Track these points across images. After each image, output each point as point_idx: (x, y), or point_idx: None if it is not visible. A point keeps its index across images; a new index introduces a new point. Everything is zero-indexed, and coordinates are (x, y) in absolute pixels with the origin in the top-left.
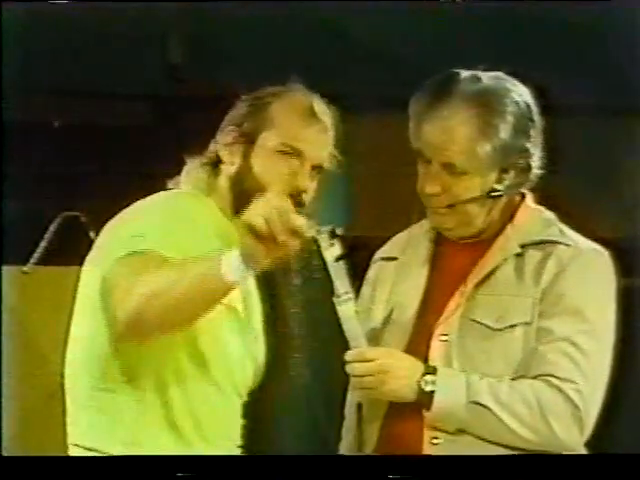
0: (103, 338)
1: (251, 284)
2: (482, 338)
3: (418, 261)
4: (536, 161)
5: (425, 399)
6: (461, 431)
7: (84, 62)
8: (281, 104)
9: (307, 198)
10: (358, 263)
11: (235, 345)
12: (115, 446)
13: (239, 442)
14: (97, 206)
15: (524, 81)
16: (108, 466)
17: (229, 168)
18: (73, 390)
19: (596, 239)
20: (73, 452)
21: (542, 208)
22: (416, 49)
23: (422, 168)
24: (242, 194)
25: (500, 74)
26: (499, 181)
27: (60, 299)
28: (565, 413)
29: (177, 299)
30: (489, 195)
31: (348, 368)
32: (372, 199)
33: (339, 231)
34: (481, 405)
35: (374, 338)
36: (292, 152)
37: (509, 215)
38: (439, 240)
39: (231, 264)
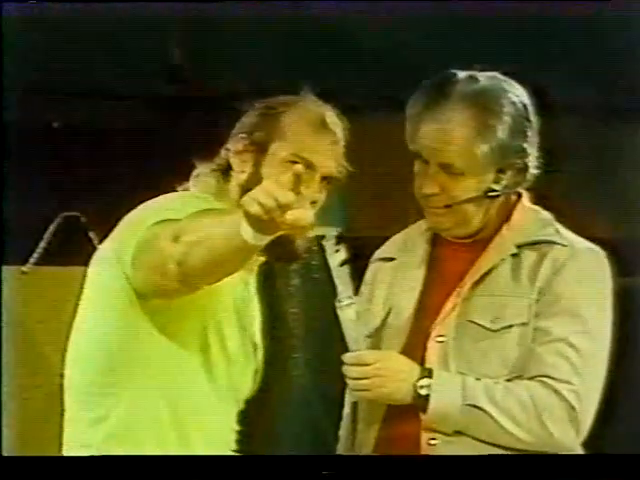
0: (114, 329)
1: (252, 289)
2: (479, 339)
3: (415, 262)
4: (533, 161)
5: (421, 402)
6: (458, 432)
7: (84, 62)
8: (293, 114)
9: (316, 208)
10: (358, 263)
11: (235, 352)
12: (115, 446)
13: (234, 446)
14: (97, 206)
15: (521, 81)
16: (108, 466)
17: (239, 176)
18: (73, 389)
19: (595, 239)
20: (70, 451)
21: (538, 208)
22: (415, 49)
23: (420, 169)
24: None
25: (497, 74)
26: (496, 181)
27: (60, 299)
28: (561, 414)
29: (213, 250)
30: (487, 195)
31: (345, 370)
32: (369, 200)
33: (338, 231)
34: (477, 407)
35: (372, 338)
36: (303, 163)
37: (505, 215)
38: (436, 241)
39: (247, 230)
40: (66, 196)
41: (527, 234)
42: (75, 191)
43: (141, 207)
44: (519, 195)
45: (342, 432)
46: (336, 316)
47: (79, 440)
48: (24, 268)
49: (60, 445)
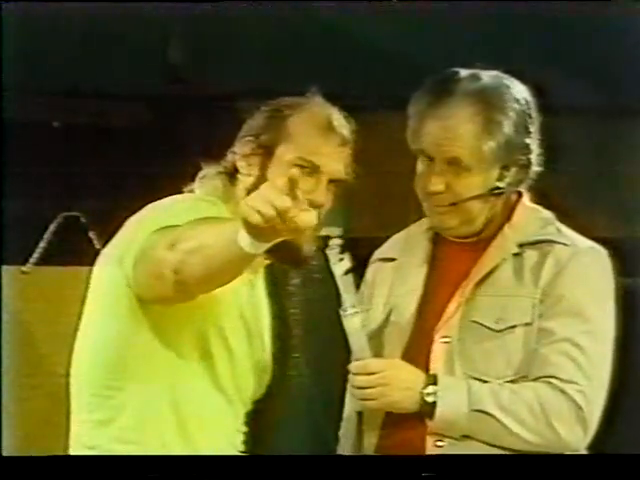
0: (117, 332)
1: (260, 291)
2: (483, 339)
3: (416, 262)
4: (535, 158)
5: (427, 410)
6: (465, 436)
7: (84, 62)
8: (299, 117)
9: (322, 212)
10: (358, 264)
11: (243, 354)
12: (119, 445)
13: (241, 447)
14: (97, 206)
15: (522, 80)
16: (109, 466)
17: (246, 179)
18: (78, 390)
19: (595, 239)
20: (75, 450)
21: (539, 207)
22: (415, 48)
23: (424, 167)
24: None
25: (498, 73)
26: (500, 178)
27: (60, 299)
28: (569, 415)
29: (209, 258)
30: (491, 193)
31: (351, 380)
32: (369, 199)
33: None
34: (484, 412)
35: (373, 339)
36: (309, 166)
37: (507, 214)
38: (437, 240)
39: (245, 238)
40: (66, 196)
41: (528, 233)
42: (75, 191)
43: (146, 209)
44: (519, 194)
45: (346, 437)
46: (338, 317)
47: (84, 442)
48: (24, 268)
49: (60, 445)
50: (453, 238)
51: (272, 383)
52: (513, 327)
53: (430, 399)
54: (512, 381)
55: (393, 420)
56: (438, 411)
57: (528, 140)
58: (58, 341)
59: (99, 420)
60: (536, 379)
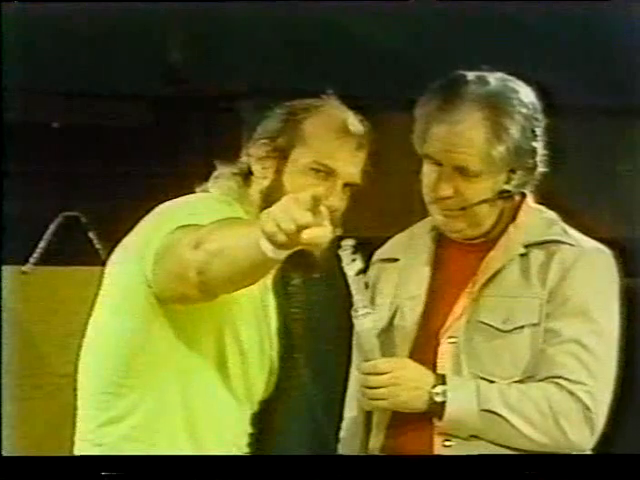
0: (131, 330)
1: (271, 294)
2: (490, 339)
3: (421, 262)
4: (541, 160)
5: (437, 409)
6: (473, 436)
7: (84, 62)
8: (315, 120)
9: (336, 216)
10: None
11: (254, 355)
12: (127, 443)
13: (245, 449)
14: (97, 206)
15: (525, 81)
16: (109, 466)
17: (261, 182)
18: (87, 387)
19: (596, 239)
20: (81, 450)
21: (543, 208)
22: (417, 49)
23: (432, 171)
24: None
25: (504, 75)
26: (508, 182)
27: (60, 299)
28: (577, 415)
29: (234, 261)
30: (500, 196)
31: (361, 380)
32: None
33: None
34: (492, 412)
35: (380, 341)
36: (325, 170)
37: (511, 215)
38: (441, 241)
39: (266, 244)
40: (66, 196)
41: (534, 234)
42: (75, 191)
43: (166, 206)
44: (523, 195)
45: (352, 437)
46: (339, 317)
47: (91, 439)
48: (24, 268)
49: (60, 445)
50: (461, 239)
51: (276, 384)
52: (521, 327)
53: (439, 399)
54: (519, 381)
55: (400, 420)
56: (447, 411)
57: (535, 143)
58: (58, 341)
59: (109, 418)
60: (543, 379)
